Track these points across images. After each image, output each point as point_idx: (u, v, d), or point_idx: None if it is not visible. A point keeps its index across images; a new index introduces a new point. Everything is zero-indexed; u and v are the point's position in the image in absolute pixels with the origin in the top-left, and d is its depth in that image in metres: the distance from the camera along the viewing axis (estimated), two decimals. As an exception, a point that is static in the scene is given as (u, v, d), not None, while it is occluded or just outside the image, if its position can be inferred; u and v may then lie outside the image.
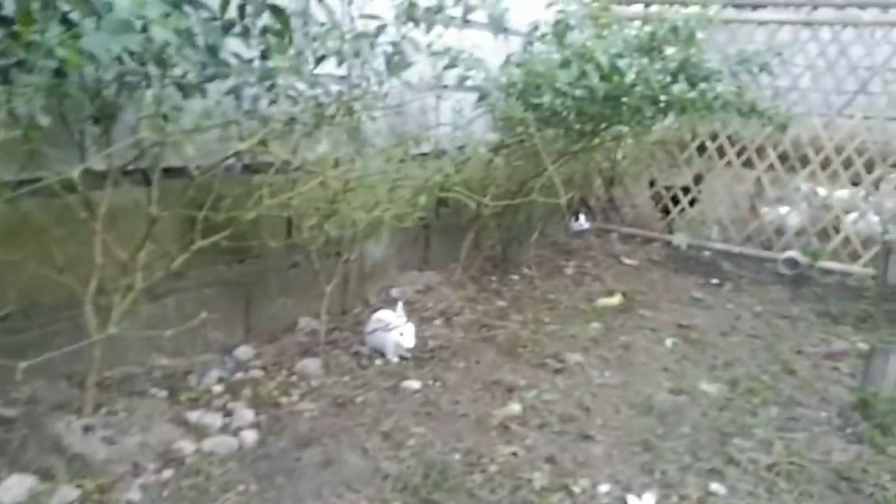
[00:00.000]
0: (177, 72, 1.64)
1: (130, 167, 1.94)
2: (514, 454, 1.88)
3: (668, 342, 2.80)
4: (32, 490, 1.55)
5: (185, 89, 1.77)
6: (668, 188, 4.42)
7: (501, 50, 3.51)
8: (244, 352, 2.40)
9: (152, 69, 1.38)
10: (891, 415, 2.17)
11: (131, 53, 1.27)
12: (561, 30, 3.17)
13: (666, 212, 4.44)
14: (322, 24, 2.08)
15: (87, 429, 1.76)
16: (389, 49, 2.21)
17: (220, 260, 2.36)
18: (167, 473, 1.69)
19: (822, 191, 4.14)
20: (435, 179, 2.03)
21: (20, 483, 1.55)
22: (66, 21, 1.37)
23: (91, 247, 1.80)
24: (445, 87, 3.10)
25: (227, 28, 1.87)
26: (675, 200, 4.41)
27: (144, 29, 1.21)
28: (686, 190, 4.41)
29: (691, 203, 4.43)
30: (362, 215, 2.03)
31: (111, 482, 1.62)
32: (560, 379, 2.38)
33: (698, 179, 4.40)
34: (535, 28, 3.29)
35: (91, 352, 1.82)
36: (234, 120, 1.88)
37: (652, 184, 4.53)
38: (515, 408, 2.12)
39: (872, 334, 3.05)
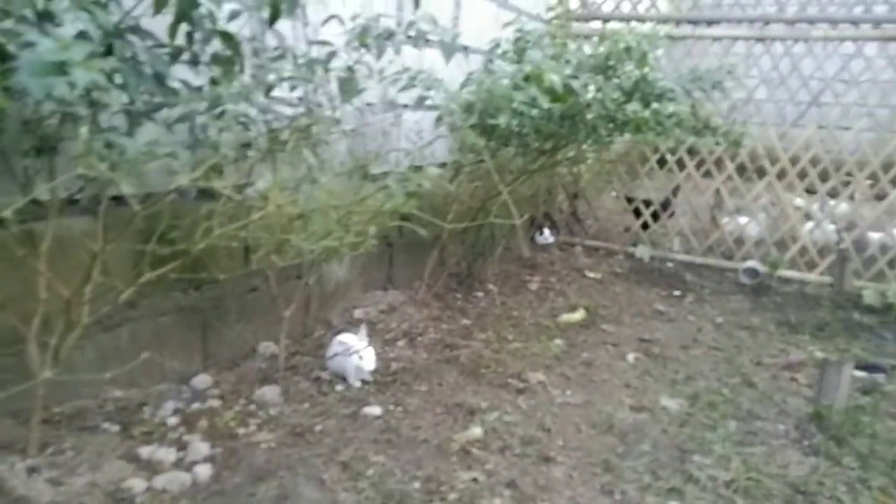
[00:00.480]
0: (123, 99, 1.61)
1: (78, 196, 1.89)
2: (475, 480, 1.87)
3: (631, 357, 2.82)
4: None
5: (131, 118, 1.74)
6: (646, 202, 4.47)
7: (462, 68, 3.53)
8: (202, 380, 2.35)
9: (81, 110, 1.34)
10: (845, 426, 2.22)
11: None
12: (520, 48, 3.20)
13: (645, 226, 4.48)
14: (275, 49, 2.06)
15: (32, 470, 1.70)
16: (342, 74, 2.20)
17: (176, 287, 2.31)
18: (116, 514, 1.64)
19: (799, 201, 4.22)
20: (391, 204, 2.01)
21: (-42, 532, 1.49)
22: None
23: (34, 281, 1.75)
24: (406, 106, 3.10)
25: (174, 56, 1.84)
26: (655, 215, 4.46)
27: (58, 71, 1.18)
28: (666, 204, 4.46)
29: (670, 216, 4.49)
30: (313, 245, 2.00)
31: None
32: (522, 399, 2.37)
33: (676, 192, 4.47)
34: (497, 46, 3.32)
35: (36, 390, 1.76)
36: (183, 148, 1.84)
37: (629, 199, 4.57)
38: (476, 431, 2.11)
39: (829, 343, 3.12)
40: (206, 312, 2.47)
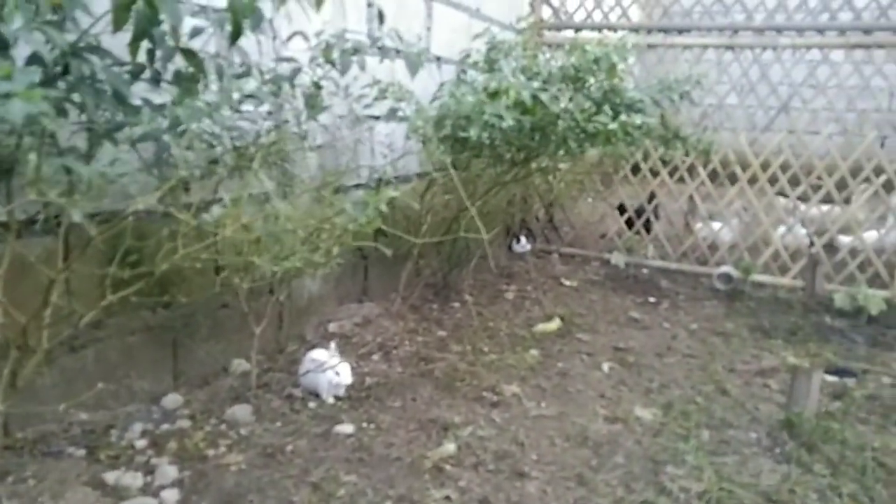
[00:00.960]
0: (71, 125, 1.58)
1: (37, 217, 1.85)
2: (448, 498, 1.85)
3: (605, 367, 2.83)
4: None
5: (92, 138, 1.71)
6: (638, 212, 4.50)
7: (434, 78, 3.53)
8: (172, 400, 2.31)
9: (27, 140, 1.31)
10: (816, 433, 2.24)
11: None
12: (491, 58, 3.20)
13: (638, 234, 4.52)
14: (241, 66, 2.04)
15: (9, 494, 1.66)
16: (308, 90, 2.19)
17: (144, 305, 2.27)
18: (79, 544, 1.60)
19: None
20: (354, 225, 1.99)
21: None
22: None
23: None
24: (377, 118, 3.09)
25: (135, 74, 1.81)
26: (648, 225, 4.49)
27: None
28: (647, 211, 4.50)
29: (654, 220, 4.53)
30: (275, 267, 1.97)
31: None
32: (496, 413, 2.36)
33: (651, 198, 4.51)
34: (468, 56, 3.32)
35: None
36: (147, 167, 1.81)
37: (622, 209, 4.59)
38: (450, 448, 2.09)
39: (802, 347, 3.15)
40: (176, 330, 2.43)
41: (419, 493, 1.86)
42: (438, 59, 3.69)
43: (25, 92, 1.11)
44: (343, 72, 2.07)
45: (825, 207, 4.12)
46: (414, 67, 2.08)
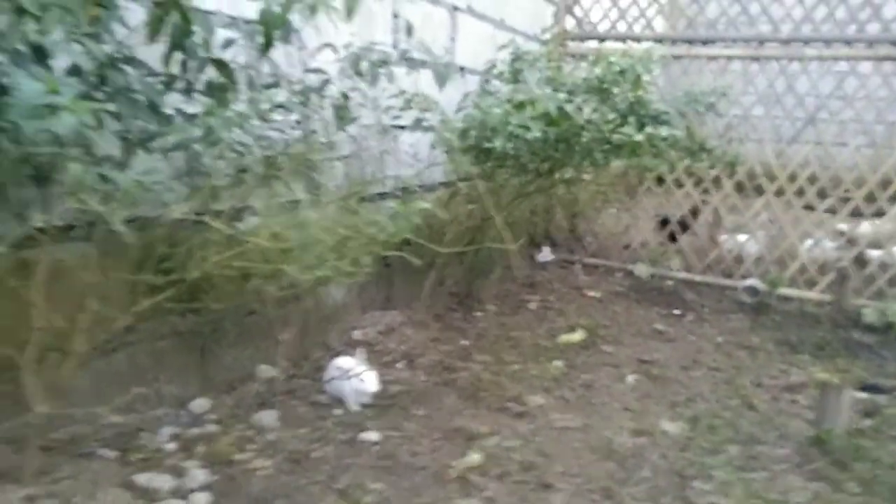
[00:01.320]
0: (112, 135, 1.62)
1: (73, 224, 1.90)
2: (472, 507, 1.86)
3: (630, 379, 2.81)
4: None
5: (127, 147, 1.75)
6: (682, 224, 4.48)
7: (459, 89, 3.55)
8: (200, 404, 2.34)
9: (71, 151, 1.35)
10: (846, 451, 2.20)
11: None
12: (515, 69, 3.22)
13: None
14: (271, 76, 2.08)
15: (29, 500, 1.69)
16: (337, 101, 2.22)
17: (174, 311, 2.31)
18: (111, 545, 1.63)
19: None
20: (384, 235, 2.01)
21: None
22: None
23: (29, 310, 1.75)
24: (402, 128, 3.11)
25: (168, 84, 1.86)
26: (673, 237, 4.47)
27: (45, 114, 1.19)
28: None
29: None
30: (306, 276, 2.00)
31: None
32: (521, 423, 2.36)
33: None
34: (492, 67, 3.35)
35: (32, 420, 1.75)
36: (179, 176, 1.85)
37: (665, 222, 4.56)
38: (475, 458, 2.09)
39: (830, 363, 3.11)
40: (204, 336, 2.46)
41: (444, 503, 1.86)
42: (462, 69, 3.72)
43: (73, 104, 1.14)
44: (372, 83, 2.10)
45: (875, 222, 4.03)
46: (442, 79, 2.10)
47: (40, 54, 1.47)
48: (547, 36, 4.32)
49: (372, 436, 2.19)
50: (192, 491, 1.85)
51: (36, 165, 1.69)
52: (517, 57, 3.26)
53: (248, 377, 2.58)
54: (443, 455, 2.12)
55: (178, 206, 1.66)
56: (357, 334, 3.04)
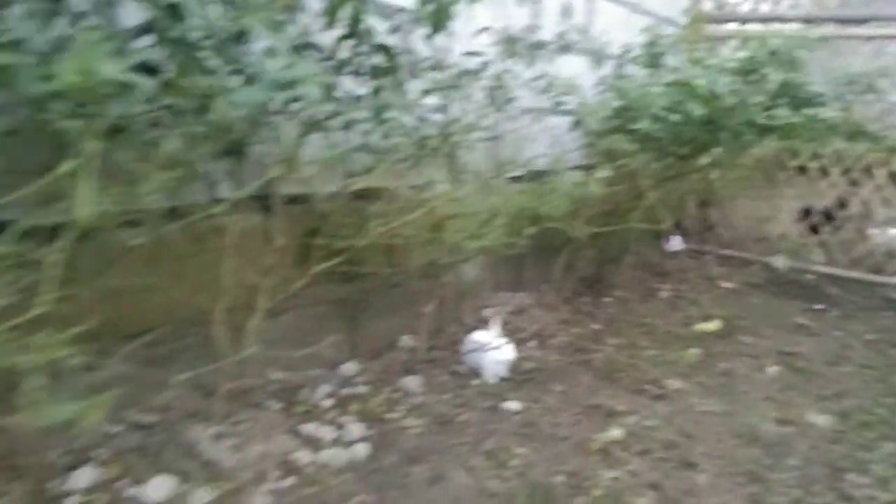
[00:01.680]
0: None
1: (253, 195, 2.11)
2: (617, 479, 1.90)
3: (772, 370, 2.72)
4: (173, 491, 1.70)
5: (305, 126, 1.92)
6: (827, 215, 4.26)
7: (594, 73, 3.55)
8: (350, 368, 2.52)
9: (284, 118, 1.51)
10: None
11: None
12: (654, 53, 3.18)
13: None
14: (428, 59, 2.20)
15: (217, 437, 1.91)
16: (490, 84, 2.31)
17: (331, 279, 2.50)
18: (288, 482, 1.81)
19: None
20: (549, 207, 2.09)
21: (163, 484, 1.71)
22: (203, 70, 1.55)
23: (219, 270, 1.97)
24: (543, 111, 3.16)
25: (339, 68, 2.01)
26: (815, 228, 4.26)
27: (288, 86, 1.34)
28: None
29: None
30: (467, 243, 2.11)
31: (239, 488, 1.76)
32: (660, 405, 2.36)
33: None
34: (627, 51, 3.32)
35: (221, 368, 1.97)
36: (350, 152, 2.01)
37: (807, 212, 4.36)
38: (616, 433, 2.13)
39: None
40: (354, 305, 2.65)
41: (589, 472, 1.92)
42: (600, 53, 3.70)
43: (311, 78, 1.29)
44: (529, 65, 2.16)
45: None
46: (598, 61, 2.13)
47: (241, 38, 1.66)
48: (684, 19, 4.20)
49: (512, 405, 2.28)
50: (353, 442, 2.01)
51: (231, 140, 1.91)
52: (654, 41, 3.21)
53: (390, 346, 2.75)
54: (583, 428, 2.17)
55: (362, 177, 1.80)
56: (488, 312, 3.13)
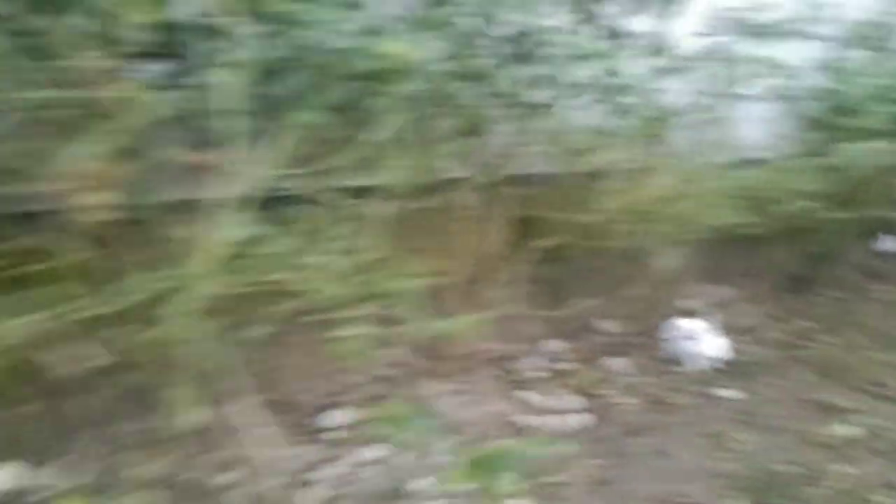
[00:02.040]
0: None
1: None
2: (848, 474, 1.83)
3: None
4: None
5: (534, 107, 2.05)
6: None
7: (804, 55, 3.34)
8: (555, 345, 2.62)
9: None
10: None
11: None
12: (883, 34, 2.94)
13: None
14: (652, 38, 2.23)
15: (455, 392, 2.10)
16: (713, 66, 2.29)
17: (538, 259, 2.61)
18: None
19: None
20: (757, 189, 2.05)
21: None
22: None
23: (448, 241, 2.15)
24: (757, 96, 3.05)
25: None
26: None
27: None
28: None
29: None
30: (685, 226, 2.12)
31: (471, 440, 1.92)
32: (887, 406, 2.22)
33: None
34: (847, 32, 3.09)
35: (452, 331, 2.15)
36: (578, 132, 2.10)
37: None
38: (842, 429, 2.05)
39: None
40: (557, 284, 2.74)
41: (816, 463, 1.87)
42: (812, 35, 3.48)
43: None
44: (762, 44, 2.13)
45: None
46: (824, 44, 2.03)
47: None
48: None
49: (728, 393, 2.26)
50: (573, 412, 2.11)
51: (471, 122, 2.08)
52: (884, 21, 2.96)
53: (586, 327, 2.81)
54: (804, 422, 2.10)
55: (598, 154, 1.89)
56: (689, 303, 3.10)
